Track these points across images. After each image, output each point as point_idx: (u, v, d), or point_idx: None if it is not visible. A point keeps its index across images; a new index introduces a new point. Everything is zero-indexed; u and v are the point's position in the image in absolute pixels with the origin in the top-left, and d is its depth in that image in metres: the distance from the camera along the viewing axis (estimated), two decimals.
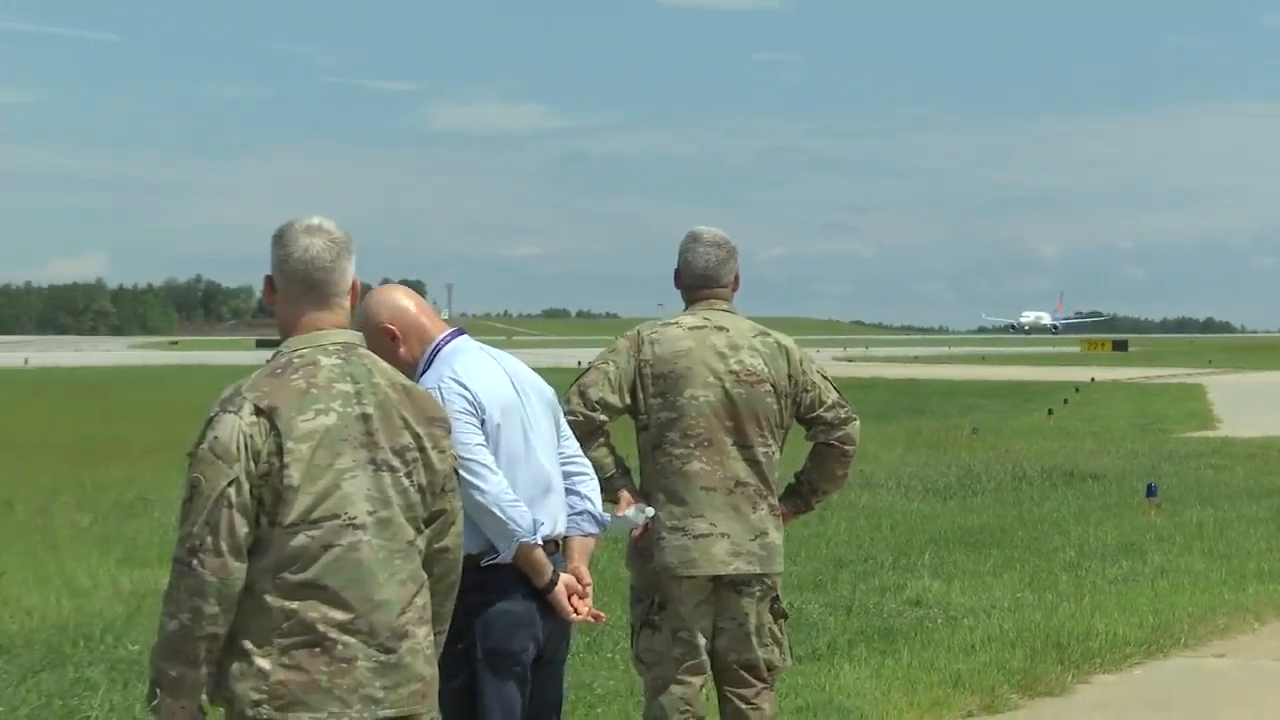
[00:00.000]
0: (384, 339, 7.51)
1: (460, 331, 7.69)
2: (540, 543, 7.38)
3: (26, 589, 16.79)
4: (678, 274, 9.30)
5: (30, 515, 22.69)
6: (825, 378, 9.30)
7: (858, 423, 9.39)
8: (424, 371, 7.52)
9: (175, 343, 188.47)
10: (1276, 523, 23.57)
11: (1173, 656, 15.15)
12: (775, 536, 9.12)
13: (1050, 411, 53.94)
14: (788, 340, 9.21)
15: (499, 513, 7.05)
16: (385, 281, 8.12)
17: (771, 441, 9.09)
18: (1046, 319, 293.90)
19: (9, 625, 14.86)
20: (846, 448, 9.30)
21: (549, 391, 7.91)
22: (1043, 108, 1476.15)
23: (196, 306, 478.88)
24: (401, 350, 7.58)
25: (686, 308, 9.22)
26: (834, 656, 14.18)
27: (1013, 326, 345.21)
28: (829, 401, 9.20)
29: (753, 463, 9.02)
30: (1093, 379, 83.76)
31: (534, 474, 7.55)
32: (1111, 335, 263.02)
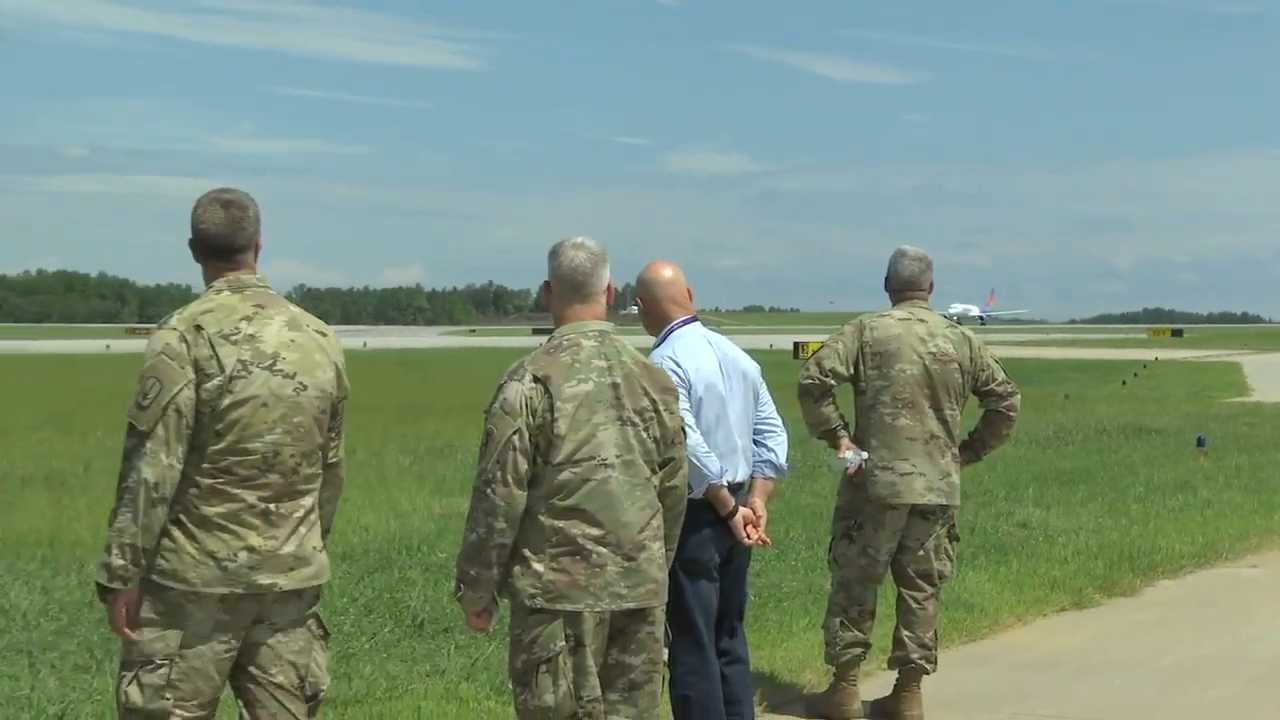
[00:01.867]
0: (638, 300, 7.66)
1: (693, 319, 7.66)
2: (724, 484, 7.37)
3: (364, 512, 16.93)
4: (888, 280, 9.39)
5: (367, 458, 22.85)
6: (995, 361, 9.39)
7: (1019, 396, 9.45)
8: (658, 346, 7.54)
9: (473, 331, 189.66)
10: None
11: (1217, 566, 15.05)
12: (957, 478, 9.24)
13: (1124, 382, 53.50)
14: (970, 332, 9.35)
15: (694, 460, 7.02)
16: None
17: (956, 407, 9.17)
18: (975, 311, 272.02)
19: (351, 539, 14.97)
20: (1011, 414, 9.40)
21: (753, 371, 7.88)
22: (1118, 153, 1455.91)
23: (489, 304, 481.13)
24: (645, 318, 7.67)
25: (894, 305, 9.30)
26: (961, 566, 14.01)
27: (945, 317, 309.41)
28: (1000, 379, 9.31)
29: (943, 421, 9.09)
30: (1156, 358, 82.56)
31: (725, 437, 7.52)
32: (1170, 325, 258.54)
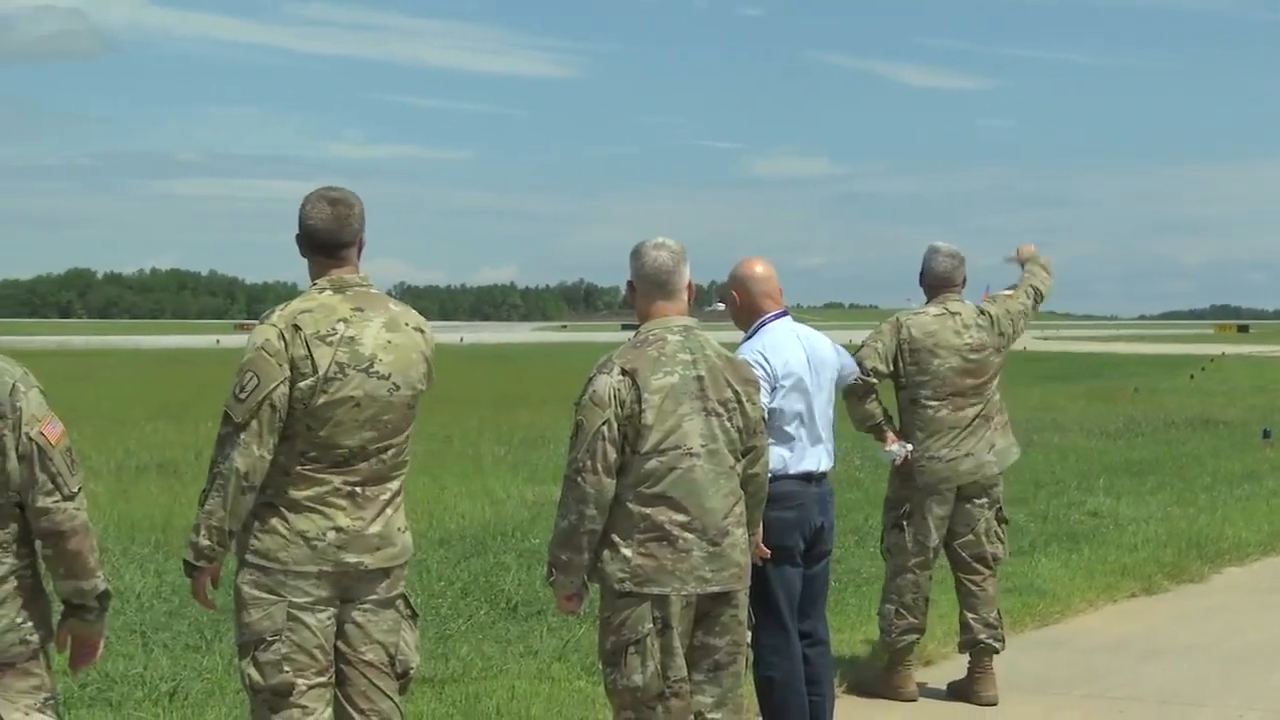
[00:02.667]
0: (731, 296, 7.61)
1: (784, 313, 7.62)
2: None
3: (460, 499, 16.97)
4: (922, 275, 9.37)
5: (464, 447, 22.96)
6: (1018, 307, 9.48)
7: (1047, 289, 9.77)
8: (748, 339, 7.51)
9: (565, 327, 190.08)
10: None
11: None
12: (1003, 441, 9.29)
13: (1191, 376, 52.90)
14: (994, 310, 9.30)
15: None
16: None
17: (995, 388, 9.25)
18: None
19: (449, 524, 15.03)
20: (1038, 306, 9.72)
21: (840, 364, 7.94)
22: (1187, 155, 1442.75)
23: (580, 301, 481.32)
24: (734, 312, 7.63)
25: (928, 301, 9.29)
26: (1034, 553, 14.05)
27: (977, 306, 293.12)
28: (1021, 307, 9.51)
29: (983, 401, 9.14)
30: (1223, 353, 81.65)
31: (809, 430, 7.50)
32: (1236, 321, 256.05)
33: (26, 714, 5.19)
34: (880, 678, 9.37)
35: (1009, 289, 9.61)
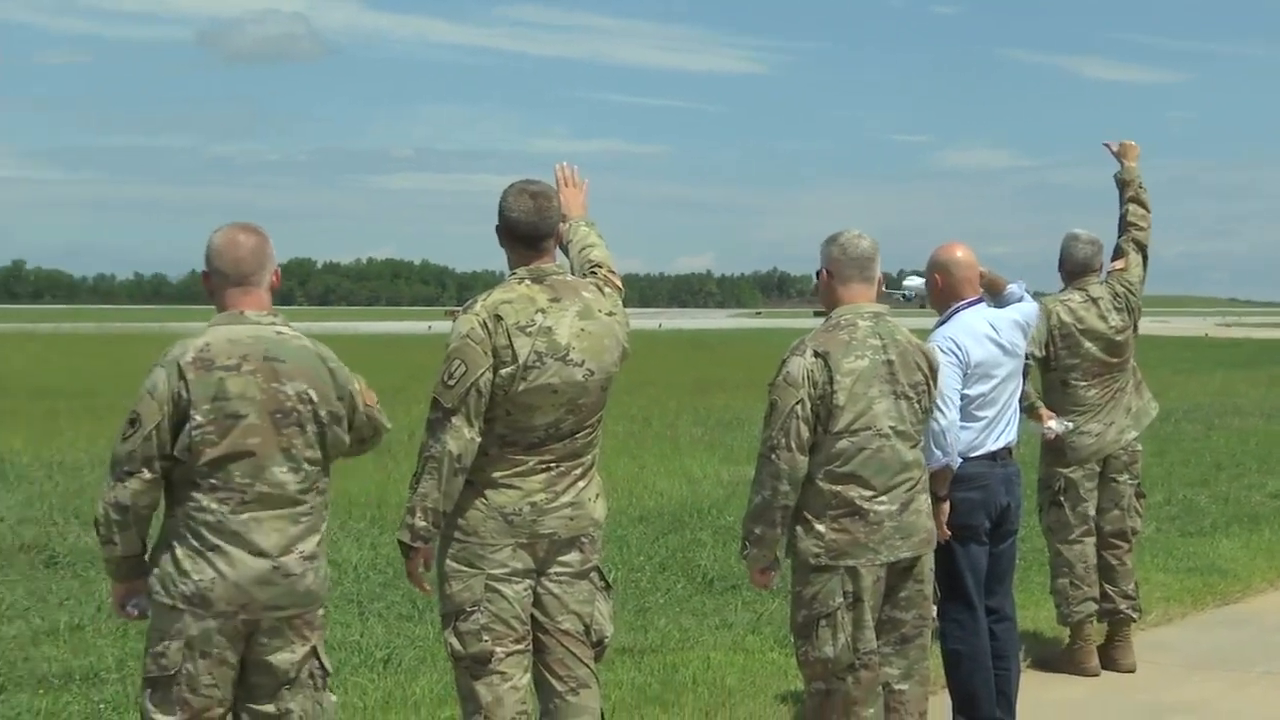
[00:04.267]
0: (933, 279, 7.57)
1: (979, 300, 7.55)
2: (956, 465, 7.17)
3: (659, 478, 17.04)
4: (1062, 262, 9.39)
5: (662, 429, 23.02)
6: (1136, 279, 9.43)
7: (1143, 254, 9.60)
8: (941, 323, 7.45)
9: (759, 313, 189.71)
10: None
11: None
12: (1138, 403, 9.38)
13: None
14: (1118, 286, 9.31)
15: (948, 437, 6.99)
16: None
17: (1132, 359, 9.37)
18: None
19: (648, 502, 15.11)
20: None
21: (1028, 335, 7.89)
22: None
23: (774, 288, 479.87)
24: (933, 295, 7.58)
25: (1066, 287, 9.32)
26: (1215, 533, 13.86)
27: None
28: (1138, 277, 9.45)
29: (1123, 378, 9.27)
30: None
31: (997, 411, 7.45)
32: None
33: (306, 662, 5.49)
34: (1062, 654, 9.34)
35: (1115, 261, 9.50)
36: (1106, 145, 9.75)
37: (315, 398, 5.42)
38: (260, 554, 5.29)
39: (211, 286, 5.49)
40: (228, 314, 5.42)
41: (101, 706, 7.83)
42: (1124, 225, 9.57)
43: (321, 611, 5.56)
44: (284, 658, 5.42)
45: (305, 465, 5.41)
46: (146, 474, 5.21)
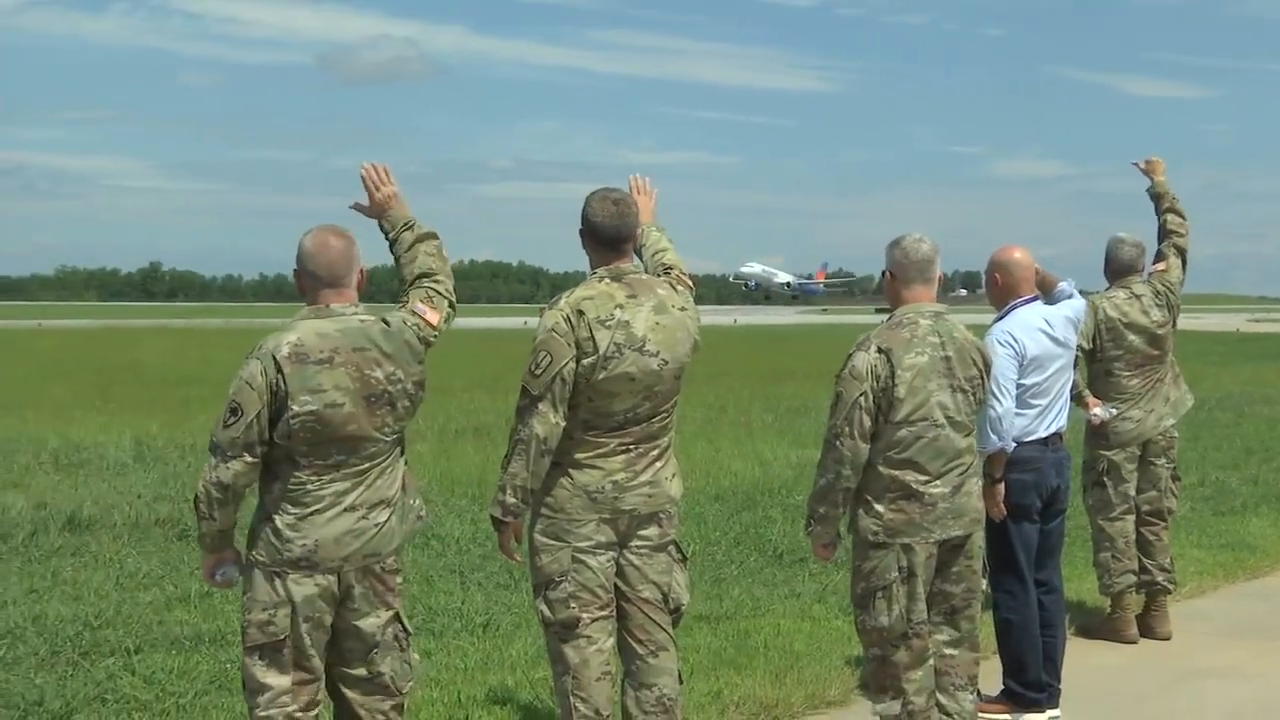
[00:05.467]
0: (993, 278, 7.51)
1: (1035, 298, 7.50)
2: (1010, 449, 7.19)
3: (733, 460, 17.01)
4: (1107, 262, 9.34)
5: (736, 415, 22.98)
6: (1177, 278, 9.44)
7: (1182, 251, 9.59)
8: (1000, 319, 7.41)
9: (826, 310, 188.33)
10: None
11: None
12: (1174, 394, 9.35)
13: None
14: (1160, 286, 9.30)
15: (1003, 424, 7.00)
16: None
17: (1171, 353, 9.34)
18: (782, 277, 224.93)
19: (723, 482, 15.09)
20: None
21: (1078, 328, 7.82)
22: None
23: (839, 288, 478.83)
24: (993, 293, 7.52)
25: (1113, 285, 9.28)
26: (1245, 513, 13.76)
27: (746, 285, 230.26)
28: (1178, 280, 9.46)
29: (1163, 369, 9.28)
30: None
31: (1050, 400, 7.45)
32: None
33: (389, 625, 5.56)
34: (1103, 623, 9.32)
35: (1158, 264, 9.47)
36: (1135, 164, 9.73)
37: (402, 375, 5.48)
38: (351, 509, 5.36)
39: (304, 286, 5.50)
40: (313, 308, 5.44)
41: (228, 666, 7.89)
42: (1164, 233, 9.56)
43: (400, 580, 5.60)
44: (371, 622, 5.49)
45: (394, 434, 5.50)
46: (248, 458, 5.24)
